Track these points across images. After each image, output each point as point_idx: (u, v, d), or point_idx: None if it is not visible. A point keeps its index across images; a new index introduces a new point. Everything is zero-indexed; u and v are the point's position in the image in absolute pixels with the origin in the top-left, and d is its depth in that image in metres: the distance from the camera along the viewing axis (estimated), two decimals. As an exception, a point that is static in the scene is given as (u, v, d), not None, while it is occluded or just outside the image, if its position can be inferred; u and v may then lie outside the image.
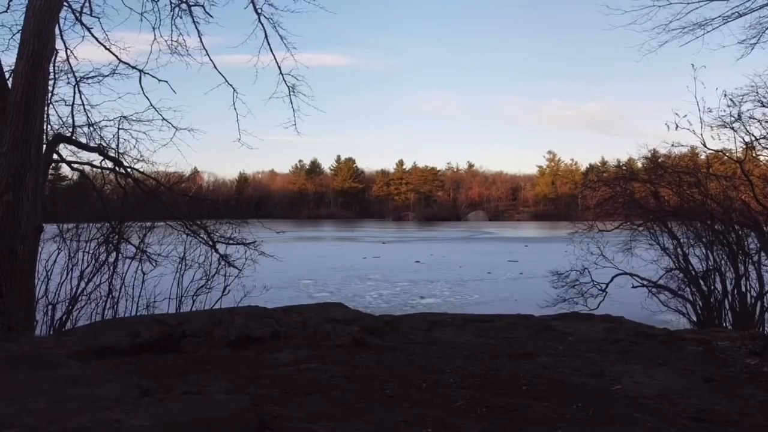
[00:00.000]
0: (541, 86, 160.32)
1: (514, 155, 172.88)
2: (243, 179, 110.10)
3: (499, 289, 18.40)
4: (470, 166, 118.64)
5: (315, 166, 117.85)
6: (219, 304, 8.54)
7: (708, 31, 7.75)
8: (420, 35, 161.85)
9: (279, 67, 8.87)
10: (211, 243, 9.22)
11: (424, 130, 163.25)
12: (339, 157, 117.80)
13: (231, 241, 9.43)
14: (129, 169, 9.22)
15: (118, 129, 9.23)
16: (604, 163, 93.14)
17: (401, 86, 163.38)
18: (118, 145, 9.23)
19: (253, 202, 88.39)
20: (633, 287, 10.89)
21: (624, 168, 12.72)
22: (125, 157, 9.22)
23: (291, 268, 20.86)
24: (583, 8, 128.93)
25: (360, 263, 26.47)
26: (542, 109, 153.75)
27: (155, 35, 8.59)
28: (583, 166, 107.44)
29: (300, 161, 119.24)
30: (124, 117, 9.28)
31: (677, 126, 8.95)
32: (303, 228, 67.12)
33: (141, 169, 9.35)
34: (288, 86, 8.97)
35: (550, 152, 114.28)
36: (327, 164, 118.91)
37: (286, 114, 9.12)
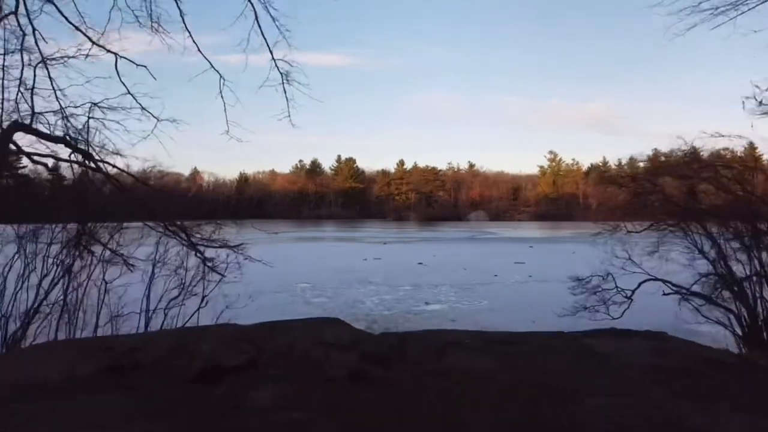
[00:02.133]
0: (542, 86, 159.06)
1: (515, 155, 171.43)
2: (243, 179, 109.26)
3: (509, 294, 17.29)
4: (471, 166, 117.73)
5: (315, 166, 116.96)
6: (197, 315, 7.48)
7: (742, 12, 6.71)
8: (420, 35, 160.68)
9: (271, 52, 7.74)
10: (190, 244, 8.12)
11: (424, 130, 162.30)
12: (339, 157, 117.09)
13: (214, 245, 8.33)
14: (100, 163, 8.13)
15: (88, 118, 8.10)
16: (605, 162, 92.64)
17: (402, 86, 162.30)
18: (87, 136, 8.11)
19: (254, 202, 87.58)
20: (664, 294, 9.76)
21: (649, 162, 11.61)
22: (95, 148, 8.11)
23: (287, 270, 19.80)
24: (583, 8, 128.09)
25: (360, 265, 25.35)
26: (543, 109, 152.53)
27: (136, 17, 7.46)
28: (585, 166, 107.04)
29: (300, 161, 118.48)
30: (95, 104, 8.16)
31: (760, 102, 7.59)
32: (303, 228, 66.12)
33: (114, 163, 8.25)
34: (281, 73, 7.85)
35: (551, 152, 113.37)
36: (327, 164, 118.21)
37: (280, 105, 8.03)
